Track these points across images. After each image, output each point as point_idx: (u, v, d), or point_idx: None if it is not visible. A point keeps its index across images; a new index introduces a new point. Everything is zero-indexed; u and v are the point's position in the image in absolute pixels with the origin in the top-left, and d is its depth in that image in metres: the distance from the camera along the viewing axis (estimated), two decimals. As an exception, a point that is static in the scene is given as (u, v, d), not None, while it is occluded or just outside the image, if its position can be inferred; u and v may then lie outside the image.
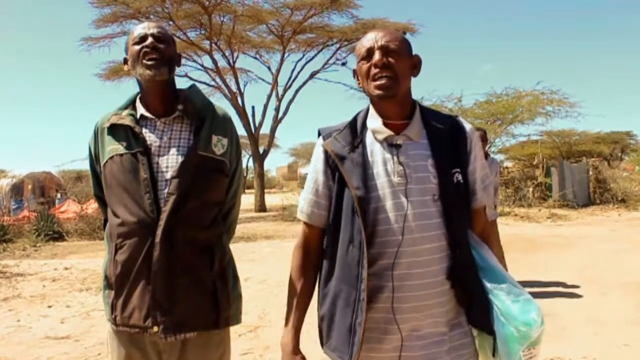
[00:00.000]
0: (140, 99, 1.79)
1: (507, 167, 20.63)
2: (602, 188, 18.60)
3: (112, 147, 1.72)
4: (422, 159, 1.44)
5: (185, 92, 1.79)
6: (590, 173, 18.99)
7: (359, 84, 1.53)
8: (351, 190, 1.41)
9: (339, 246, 1.45)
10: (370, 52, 1.45)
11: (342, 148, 1.47)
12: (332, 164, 1.49)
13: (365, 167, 1.43)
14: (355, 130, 1.51)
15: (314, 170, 1.56)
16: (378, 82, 1.43)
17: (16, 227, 12.61)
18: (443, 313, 1.42)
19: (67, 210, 14.87)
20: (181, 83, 1.81)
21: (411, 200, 1.40)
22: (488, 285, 1.42)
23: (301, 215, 1.58)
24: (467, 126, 1.53)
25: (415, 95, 1.57)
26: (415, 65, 1.51)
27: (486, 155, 5.20)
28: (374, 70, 1.43)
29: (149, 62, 1.67)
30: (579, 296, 5.49)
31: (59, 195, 19.01)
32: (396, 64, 1.43)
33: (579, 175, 18.20)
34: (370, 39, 1.47)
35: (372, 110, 1.52)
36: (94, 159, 1.82)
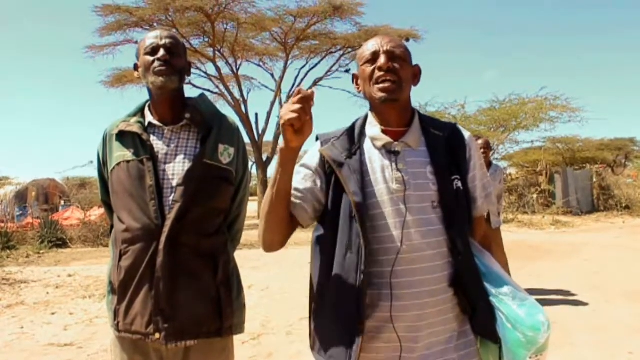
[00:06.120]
0: (149, 107, 1.81)
1: (510, 174, 20.59)
2: (606, 195, 18.55)
3: (120, 154, 1.73)
4: (421, 166, 1.43)
5: (193, 101, 1.81)
6: (594, 180, 18.95)
7: (358, 89, 1.52)
8: (349, 196, 1.38)
9: (337, 252, 1.40)
10: (375, 56, 1.45)
11: (339, 155, 1.45)
12: (328, 170, 1.46)
13: (362, 173, 1.42)
14: (352, 137, 1.50)
15: (307, 167, 1.50)
16: (382, 85, 1.42)
17: (20, 234, 12.57)
18: (446, 322, 1.40)
19: (71, 217, 14.89)
20: (185, 90, 1.82)
21: (410, 207, 1.38)
22: (492, 290, 1.40)
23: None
24: (466, 134, 1.53)
25: (419, 101, 1.58)
26: (415, 75, 1.52)
27: (490, 163, 5.18)
28: (378, 74, 1.43)
29: (160, 69, 1.69)
30: (583, 304, 5.45)
31: (62, 202, 19.05)
32: (400, 69, 1.44)
33: (582, 182, 18.17)
34: (376, 43, 1.47)
35: (370, 118, 1.52)
36: (102, 165, 1.83)
